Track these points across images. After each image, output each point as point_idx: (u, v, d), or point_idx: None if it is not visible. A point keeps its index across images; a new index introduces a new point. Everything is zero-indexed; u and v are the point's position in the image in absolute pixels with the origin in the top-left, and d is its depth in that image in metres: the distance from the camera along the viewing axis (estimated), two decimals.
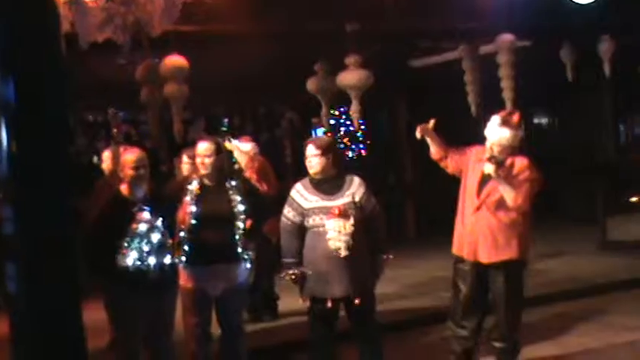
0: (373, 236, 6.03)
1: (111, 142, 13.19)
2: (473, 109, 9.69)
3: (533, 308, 6.92)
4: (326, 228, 5.83)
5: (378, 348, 6.21)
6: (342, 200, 5.92)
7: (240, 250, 5.81)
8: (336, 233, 5.80)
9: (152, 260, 5.40)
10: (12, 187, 3.06)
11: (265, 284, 8.10)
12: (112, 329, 5.60)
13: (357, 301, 5.95)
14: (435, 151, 6.26)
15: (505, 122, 5.99)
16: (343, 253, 5.80)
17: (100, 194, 5.57)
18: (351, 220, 5.82)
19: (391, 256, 6.11)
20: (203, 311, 5.82)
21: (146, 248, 5.39)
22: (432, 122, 6.23)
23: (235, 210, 5.79)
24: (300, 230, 5.96)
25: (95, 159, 13.31)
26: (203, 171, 5.90)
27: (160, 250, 5.45)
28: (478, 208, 5.99)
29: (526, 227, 6.04)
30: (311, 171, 6.03)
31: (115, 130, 13.57)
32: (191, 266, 5.72)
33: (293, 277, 5.91)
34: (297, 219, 5.95)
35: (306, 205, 5.95)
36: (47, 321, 3.08)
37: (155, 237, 5.44)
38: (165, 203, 5.65)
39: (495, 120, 6.02)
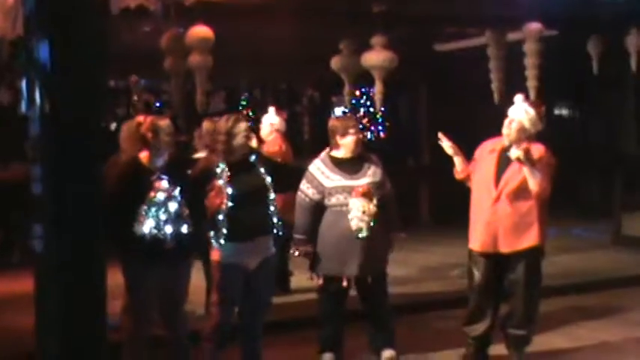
0: (388, 216, 6.04)
1: (130, 109, 13.22)
2: (496, 96, 9.62)
3: (545, 299, 6.86)
4: (349, 207, 5.84)
5: (390, 330, 6.21)
6: (366, 180, 5.93)
7: (276, 220, 5.76)
8: (360, 213, 5.82)
9: (169, 229, 5.38)
10: (42, 146, 3.08)
11: (279, 260, 8.06)
12: (127, 295, 5.61)
13: (369, 280, 5.96)
14: (461, 169, 6.21)
15: (531, 104, 6.03)
16: (364, 233, 5.83)
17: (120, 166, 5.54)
18: (374, 201, 5.85)
19: (404, 235, 6.15)
20: (239, 286, 5.69)
21: (163, 217, 5.37)
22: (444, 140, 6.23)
23: (266, 182, 5.71)
24: (317, 208, 5.97)
25: (114, 126, 13.33)
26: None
27: (176, 219, 5.43)
28: (497, 199, 5.91)
29: (544, 213, 5.99)
30: (348, 150, 6.01)
31: (135, 98, 13.58)
32: (232, 243, 5.57)
33: (304, 253, 6.04)
34: (317, 197, 5.96)
35: (327, 183, 5.95)
36: (72, 278, 3.11)
37: (172, 206, 5.42)
38: (184, 175, 5.62)
39: (521, 98, 6.01)
